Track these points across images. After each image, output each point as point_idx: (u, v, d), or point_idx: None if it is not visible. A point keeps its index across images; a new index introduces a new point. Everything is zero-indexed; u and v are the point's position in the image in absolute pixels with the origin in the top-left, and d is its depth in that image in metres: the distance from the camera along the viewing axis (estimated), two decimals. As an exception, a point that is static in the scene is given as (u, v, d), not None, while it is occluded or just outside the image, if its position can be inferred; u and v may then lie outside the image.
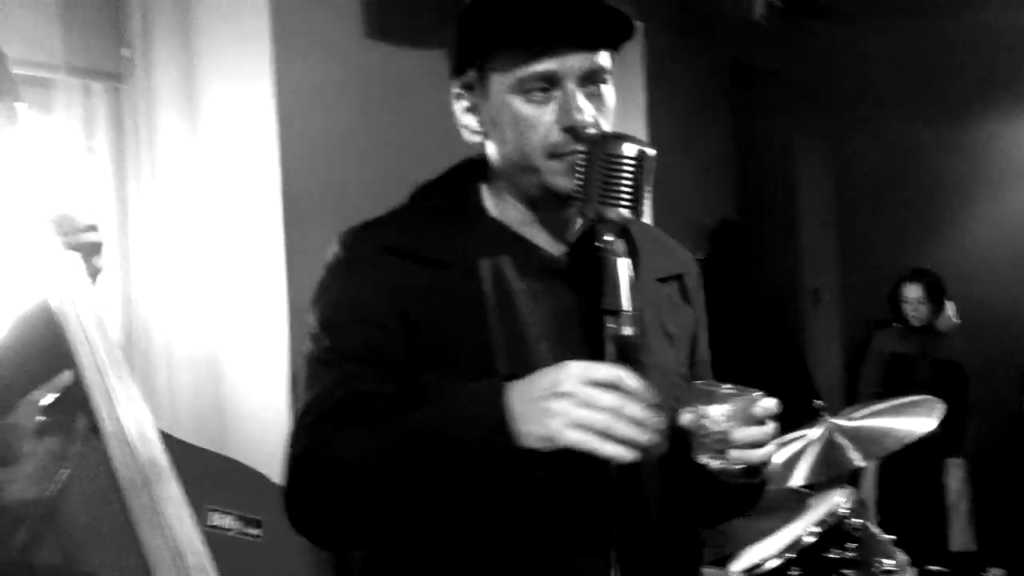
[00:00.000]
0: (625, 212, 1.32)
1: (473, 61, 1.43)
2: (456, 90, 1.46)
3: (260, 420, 2.84)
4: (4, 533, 1.63)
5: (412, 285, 1.40)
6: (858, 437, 2.91)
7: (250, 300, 2.92)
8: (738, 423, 1.34)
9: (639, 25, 1.50)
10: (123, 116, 2.93)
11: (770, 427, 1.36)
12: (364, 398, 1.35)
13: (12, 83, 1.80)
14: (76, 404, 1.71)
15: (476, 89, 1.44)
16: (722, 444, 1.34)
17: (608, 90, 1.43)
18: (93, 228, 1.80)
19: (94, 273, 1.79)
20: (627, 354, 1.28)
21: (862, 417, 3.02)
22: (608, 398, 1.21)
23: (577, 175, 1.34)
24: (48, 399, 1.78)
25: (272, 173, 2.88)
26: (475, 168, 1.51)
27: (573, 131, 1.37)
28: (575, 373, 1.23)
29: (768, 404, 1.36)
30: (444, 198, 1.49)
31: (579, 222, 1.47)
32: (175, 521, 1.69)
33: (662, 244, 1.60)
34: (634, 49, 4.25)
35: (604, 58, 1.42)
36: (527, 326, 1.40)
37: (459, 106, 1.47)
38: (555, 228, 1.48)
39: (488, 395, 1.26)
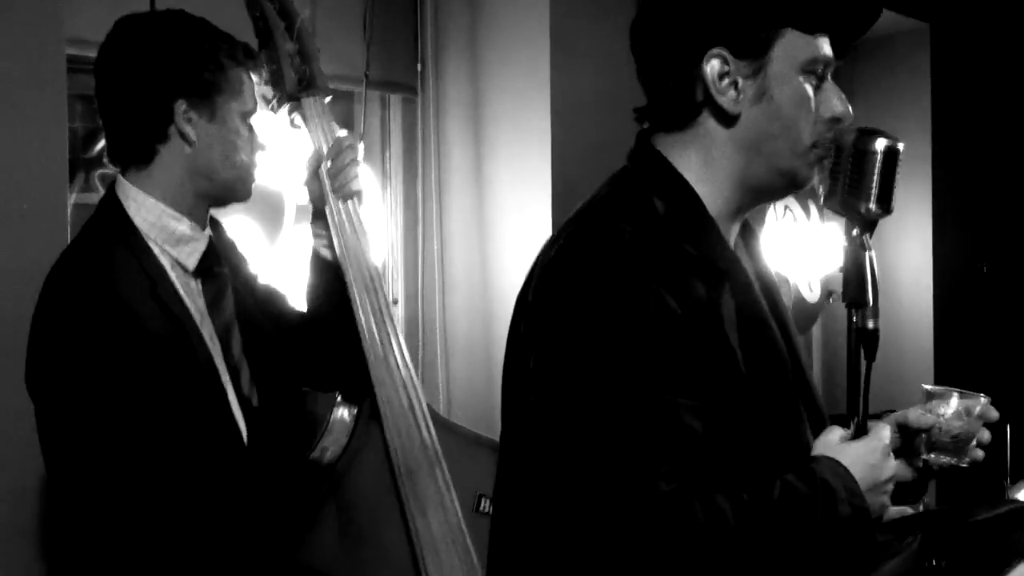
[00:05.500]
0: (875, 207, 1.26)
1: (763, 30, 1.25)
2: (723, 52, 1.25)
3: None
4: (310, 492, 1.71)
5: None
6: None
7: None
8: (977, 424, 1.39)
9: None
10: (415, 124, 3.05)
11: None
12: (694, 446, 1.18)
13: (325, 79, 1.85)
14: (366, 382, 1.76)
15: (750, 57, 1.26)
16: (958, 443, 1.39)
17: None
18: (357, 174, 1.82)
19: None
20: (870, 347, 1.26)
21: None
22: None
23: (827, 169, 1.28)
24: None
25: (544, 178, 2.90)
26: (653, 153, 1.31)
27: (838, 121, 1.28)
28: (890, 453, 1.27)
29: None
30: (668, 198, 1.28)
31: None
32: (441, 506, 1.70)
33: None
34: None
35: None
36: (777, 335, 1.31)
37: (718, 70, 1.25)
38: (738, 222, 1.35)
39: (851, 494, 1.22)
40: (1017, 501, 2.56)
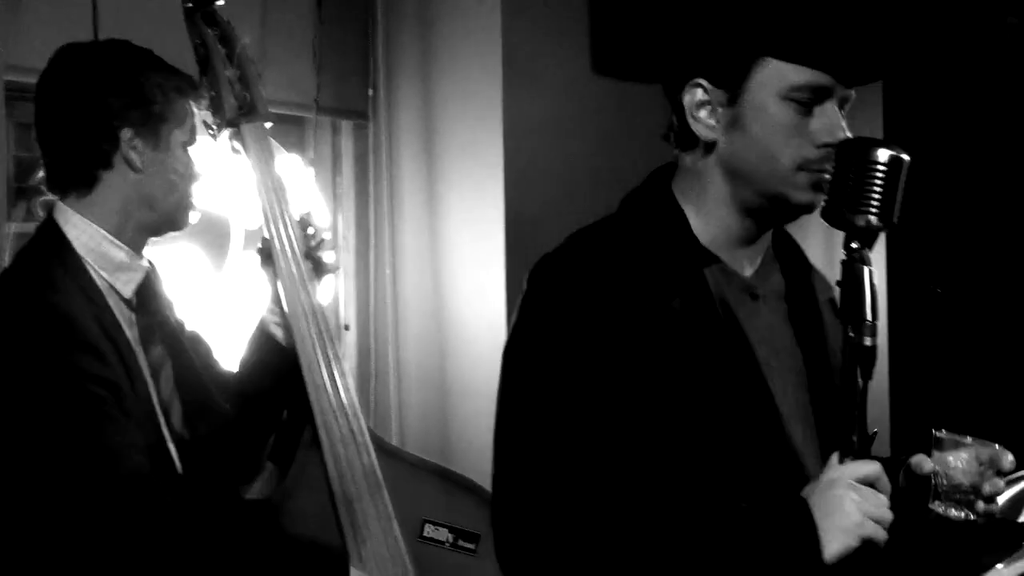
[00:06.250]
0: (874, 219, 1.22)
1: (742, 57, 1.27)
2: (702, 81, 1.28)
3: (483, 436, 2.83)
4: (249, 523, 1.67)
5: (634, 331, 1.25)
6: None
7: (474, 321, 2.93)
8: (988, 475, 1.29)
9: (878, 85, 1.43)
10: (367, 150, 3.03)
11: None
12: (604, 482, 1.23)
13: (266, 105, 1.82)
14: (306, 412, 1.72)
15: (726, 86, 1.28)
16: (965, 494, 1.29)
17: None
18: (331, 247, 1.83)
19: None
20: (867, 365, 1.20)
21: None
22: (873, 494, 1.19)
23: (829, 180, 1.25)
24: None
25: (497, 204, 2.89)
26: (668, 177, 1.36)
27: (829, 147, 1.26)
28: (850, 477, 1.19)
29: (1011, 458, 1.31)
30: (651, 221, 1.33)
31: (766, 241, 1.37)
32: (383, 533, 1.66)
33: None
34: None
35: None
36: (758, 361, 1.29)
37: (697, 99, 1.29)
38: (754, 247, 1.35)
39: (797, 524, 1.17)
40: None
